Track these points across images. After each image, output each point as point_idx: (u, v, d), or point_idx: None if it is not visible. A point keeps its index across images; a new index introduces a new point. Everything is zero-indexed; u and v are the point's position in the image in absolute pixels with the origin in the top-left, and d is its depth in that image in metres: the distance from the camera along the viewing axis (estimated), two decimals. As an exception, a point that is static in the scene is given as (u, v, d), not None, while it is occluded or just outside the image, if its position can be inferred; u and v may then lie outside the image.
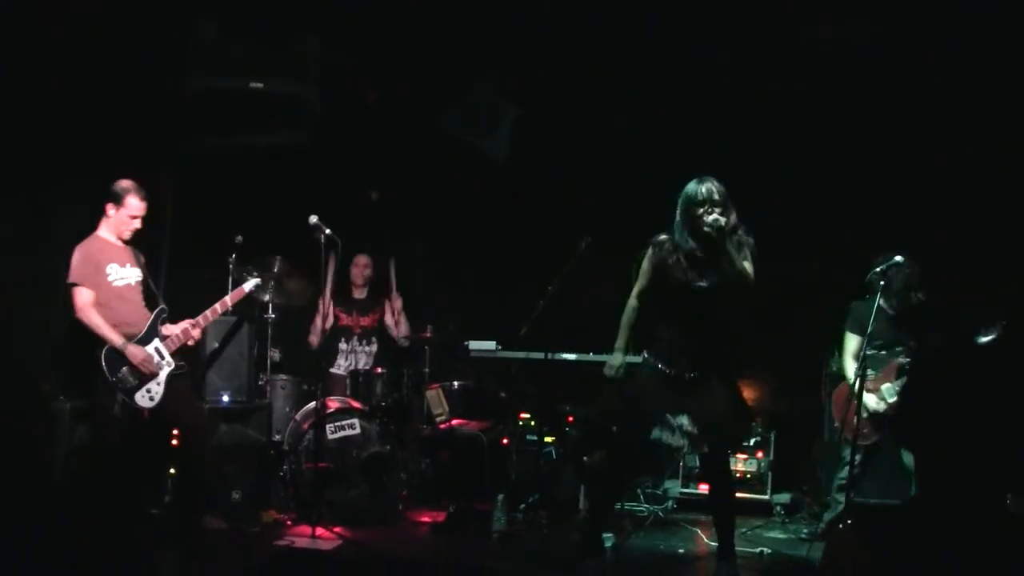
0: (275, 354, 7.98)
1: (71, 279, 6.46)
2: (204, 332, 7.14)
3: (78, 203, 7.25)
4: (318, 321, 7.91)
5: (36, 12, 7.15)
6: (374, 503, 7.25)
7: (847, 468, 6.82)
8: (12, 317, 7.05)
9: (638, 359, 6.07)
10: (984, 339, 6.75)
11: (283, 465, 7.38)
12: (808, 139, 8.14)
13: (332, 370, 8.28)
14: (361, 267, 8.63)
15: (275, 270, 7.69)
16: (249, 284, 7.17)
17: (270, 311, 7.77)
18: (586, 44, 8.12)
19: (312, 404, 7.48)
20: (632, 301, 6.09)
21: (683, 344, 5.85)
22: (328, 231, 6.77)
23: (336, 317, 8.42)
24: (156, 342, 6.65)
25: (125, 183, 6.62)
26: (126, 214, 6.61)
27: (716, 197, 5.70)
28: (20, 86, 7.13)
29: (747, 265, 5.77)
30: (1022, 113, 7.40)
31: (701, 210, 5.69)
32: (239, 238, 7.62)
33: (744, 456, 8.15)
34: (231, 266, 7.55)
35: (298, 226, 6.89)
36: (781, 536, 7.37)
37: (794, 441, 8.21)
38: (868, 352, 6.67)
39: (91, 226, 6.69)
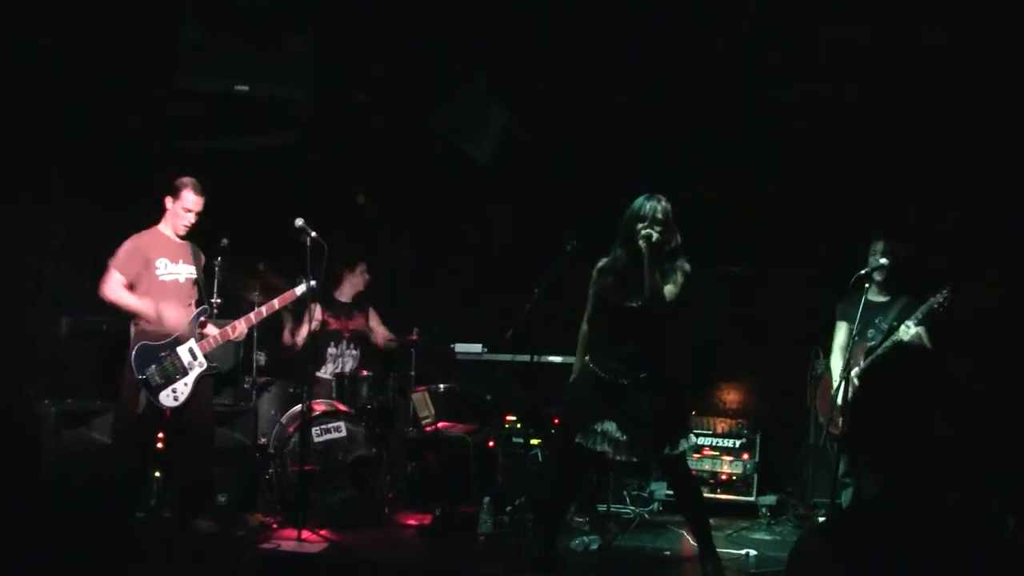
0: (261, 357, 7.96)
1: (111, 263, 6.54)
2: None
3: (64, 208, 7.24)
4: (304, 329, 7.87)
5: (31, 13, 7.14)
6: (360, 506, 7.24)
7: (843, 463, 6.89)
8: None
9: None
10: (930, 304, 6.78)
11: (269, 468, 7.38)
12: (797, 146, 8.17)
13: (318, 373, 8.26)
14: (361, 273, 8.59)
15: (260, 269, 7.72)
16: (301, 288, 7.02)
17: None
18: (575, 46, 8.14)
19: (298, 407, 7.46)
20: (584, 326, 6.27)
21: (617, 352, 5.96)
22: (314, 234, 6.75)
23: (324, 322, 8.38)
24: (191, 342, 6.67)
25: (185, 178, 6.70)
26: (180, 207, 6.68)
27: (659, 216, 5.81)
28: (11, 87, 7.11)
29: (669, 288, 5.85)
30: (1018, 117, 7.44)
31: (640, 225, 5.79)
32: (224, 241, 7.60)
33: (730, 458, 8.19)
34: (216, 268, 7.53)
35: (284, 229, 6.86)
36: (767, 538, 7.39)
37: (779, 443, 8.24)
38: (851, 342, 6.75)
39: (78, 233, 6.68)
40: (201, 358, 6.69)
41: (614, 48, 8.07)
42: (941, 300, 6.68)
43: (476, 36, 8.37)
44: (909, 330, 6.72)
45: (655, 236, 5.73)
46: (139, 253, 6.61)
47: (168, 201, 6.72)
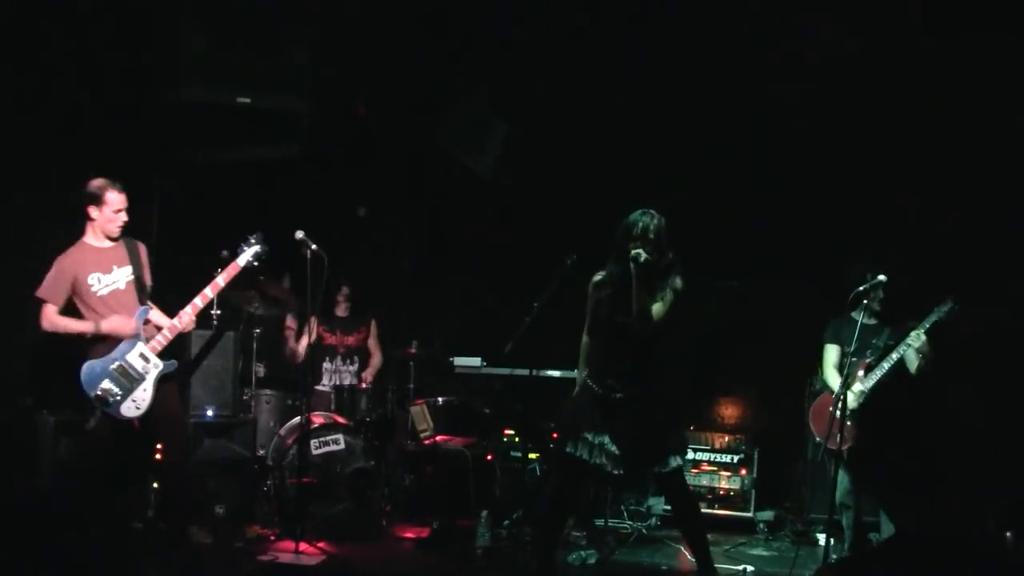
0: (260, 369, 7.97)
1: (38, 292, 6.35)
2: (189, 343, 7.18)
3: (63, 212, 7.22)
4: (303, 340, 7.90)
5: (33, 14, 7.15)
6: (358, 518, 7.24)
7: (842, 485, 6.89)
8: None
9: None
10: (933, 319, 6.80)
11: (267, 480, 7.37)
12: (792, 161, 8.18)
13: (317, 386, 8.25)
14: (343, 297, 8.58)
15: (261, 286, 7.74)
16: (243, 258, 6.80)
17: (255, 323, 7.76)
18: (576, 59, 8.15)
19: (297, 419, 7.47)
20: (584, 337, 6.30)
21: (611, 367, 6.00)
22: (314, 246, 6.74)
23: (320, 336, 8.37)
24: (139, 345, 6.45)
25: (98, 181, 6.43)
26: (110, 210, 6.43)
27: (650, 235, 5.83)
28: (11, 88, 7.12)
29: (657, 306, 5.86)
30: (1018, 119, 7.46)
31: (632, 243, 5.82)
32: (225, 252, 7.58)
33: (728, 474, 8.18)
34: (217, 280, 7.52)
35: (285, 241, 6.85)
36: (764, 553, 7.38)
37: (777, 459, 8.23)
38: (844, 363, 6.75)
39: (77, 238, 6.61)
40: (155, 359, 6.45)
41: (614, 51, 8.07)
42: (947, 311, 6.71)
43: (475, 38, 8.36)
44: (920, 337, 6.74)
45: (643, 256, 5.76)
46: (65, 275, 6.37)
47: (92, 210, 6.45)
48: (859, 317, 6.69)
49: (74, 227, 6.65)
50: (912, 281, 6.94)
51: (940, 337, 6.80)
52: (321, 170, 8.92)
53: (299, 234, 6.74)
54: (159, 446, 6.73)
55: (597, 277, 6.12)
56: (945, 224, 7.73)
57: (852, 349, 6.72)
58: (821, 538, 7.34)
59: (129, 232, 6.69)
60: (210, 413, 7.47)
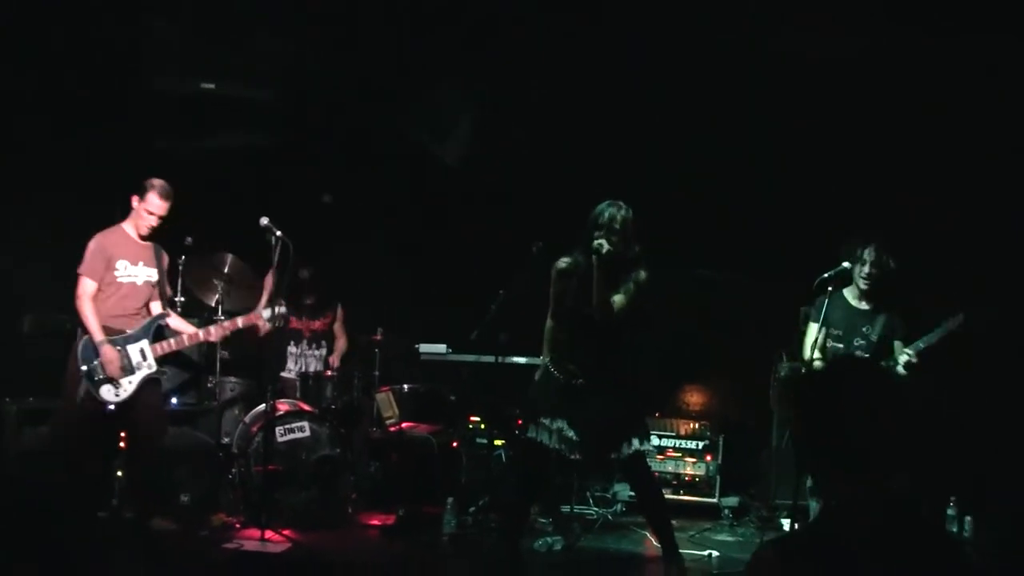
0: (224, 355, 7.92)
1: (80, 269, 6.52)
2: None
3: (29, 203, 7.18)
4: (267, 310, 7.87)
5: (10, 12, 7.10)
6: (324, 506, 7.22)
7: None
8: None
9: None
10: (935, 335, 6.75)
11: (232, 468, 7.34)
12: (792, 161, 8.17)
13: (282, 373, 8.21)
14: (307, 282, 8.50)
15: (225, 270, 7.67)
16: (267, 313, 6.99)
17: (219, 313, 7.72)
18: (576, 59, 8.12)
19: (262, 406, 7.43)
20: (548, 321, 6.30)
21: (575, 354, 6.04)
22: (279, 233, 6.73)
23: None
24: (144, 343, 6.63)
25: (157, 180, 6.64)
26: (144, 208, 6.62)
27: (616, 225, 5.86)
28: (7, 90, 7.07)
29: (619, 298, 5.89)
30: (1010, 127, 7.50)
31: (597, 232, 5.83)
32: (188, 239, 7.55)
33: (693, 460, 8.23)
34: (180, 268, 7.49)
35: (249, 228, 6.83)
36: (729, 539, 7.44)
37: (742, 445, 8.28)
38: (827, 345, 6.71)
39: (41, 229, 6.63)
40: (151, 360, 6.64)
41: (614, 51, 8.04)
42: (956, 327, 6.62)
43: (475, 37, 8.32)
44: (912, 358, 6.65)
45: (606, 247, 5.77)
46: (103, 253, 6.57)
47: (134, 199, 6.65)
48: (846, 298, 6.66)
49: (73, 226, 6.68)
50: (896, 269, 6.92)
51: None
52: (289, 160, 8.87)
53: (263, 220, 6.74)
54: (132, 435, 6.77)
55: (561, 264, 6.12)
56: (945, 224, 7.76)
57: (840, 332, 6.68)
58: (786, 524, 7.39)
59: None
60: (175, 401, 7.43)
